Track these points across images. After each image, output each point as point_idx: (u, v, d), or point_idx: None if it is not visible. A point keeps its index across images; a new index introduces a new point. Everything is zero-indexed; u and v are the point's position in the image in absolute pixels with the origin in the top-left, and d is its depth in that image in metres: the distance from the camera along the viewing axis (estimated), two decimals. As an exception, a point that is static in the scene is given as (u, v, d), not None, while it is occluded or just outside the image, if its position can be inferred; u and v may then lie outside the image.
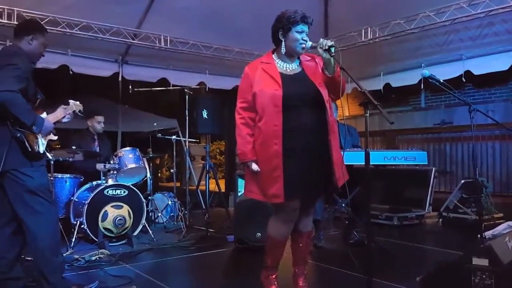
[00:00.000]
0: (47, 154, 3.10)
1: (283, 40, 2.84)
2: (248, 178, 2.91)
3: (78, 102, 3.31)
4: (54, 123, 3.10)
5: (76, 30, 5.63)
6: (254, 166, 2.78)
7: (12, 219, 2.93)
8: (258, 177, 2.80)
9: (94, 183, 5.12)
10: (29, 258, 3.56)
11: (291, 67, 2.90)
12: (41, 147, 2.95)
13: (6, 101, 2.67)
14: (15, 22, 4.96)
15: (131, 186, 5.05)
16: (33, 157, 2.86)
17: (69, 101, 3.29)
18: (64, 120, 3.22)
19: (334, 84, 2.77)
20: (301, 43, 2.78)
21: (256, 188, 2.83)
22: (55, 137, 3.18)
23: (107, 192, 4.85)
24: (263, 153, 2.77)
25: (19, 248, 3.05)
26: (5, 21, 5.08)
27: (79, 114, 3.35)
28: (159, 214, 6.09)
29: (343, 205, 5.04)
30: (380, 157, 4.78)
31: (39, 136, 2.93)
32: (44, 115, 3.03)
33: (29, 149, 2.82)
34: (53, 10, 5.38)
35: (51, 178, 4.68)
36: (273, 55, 2.93)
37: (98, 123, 5.67)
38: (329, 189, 2.88)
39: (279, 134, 2.71)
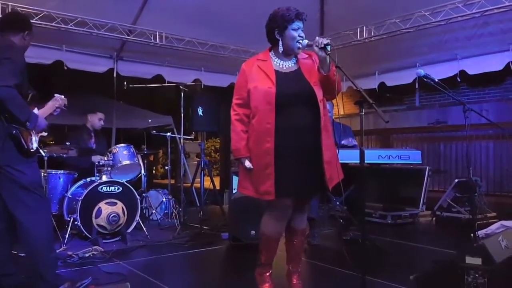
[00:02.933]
0: (40, 150, 3.08)
1: (280, 39, 2.83)
2: (242, 174, 2.93)
3: (62, 96, 3.28)
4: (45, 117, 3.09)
5: (71, 26, 5.59)
6: (247, 163, 2.80)
7: (3, 215, 2.91)
8: (251, 174, 2.82)
9: (88, 179, 5.10)
10: (23, 255, 3.55)
11: (287, 65, 2.89)
12: (34, 144, 2.94)
13: (1, 97, 2.64)
14: (10, 17, 4.92)
15: (125, 182, 5.03)
16: (27, 153, 2.85)
17: (55, 94, 3.27)
18: (54, 113, 3.21)
19: (329, 83, 2.77)
20: (298, 41, 2.78)
21: (249, 185, 2.85)
22: (46, 133, 3.16)
23: (101, 188, 4.83)
24: (256, 150, 2.78)
25: (10, 244, 3.03)
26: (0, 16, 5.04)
27: (64, 108, 3.32)
28: (153, 211, 6.08)
29: (338, 203, 5.05)
30: (374, 155, 4.80)
31: (33, 133, 2.92)
32: (35, 110, 3.01)
33: (25, 146, 2.81)
34: (48, 5, 5.34)
35: (45, 174, 4.66)
36: (270, 53, 2.93)
37: (99, 120, 5.67)
38: (321, 188, 2.87)
39: (271, 132, 2.72)
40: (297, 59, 2.92)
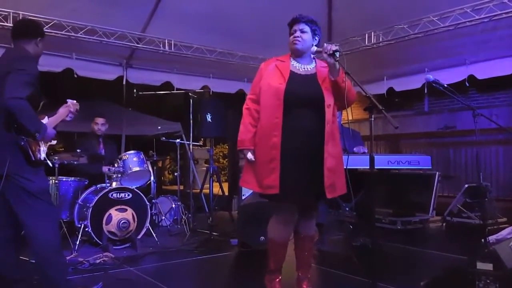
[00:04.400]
0: (47, 160, 3.09)
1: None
2: (245, 169, 2.97)
3: (75, 101, 3.31)
4: (56, 126, 3.10)
5: (81, 34, 5.66)
6: (250, 155, 2.86)
7: (11, 222, 2.94)
8: (255, 168, 2.86)
9: (99, 186, 5.13)
10: (33, 261, 3.57)
11: (305, 68, 2.95)
12: (43, 154, 2.95)
13: (14, 109, 2.66)
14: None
15: (135, 189, 5.06)
16: (34, 164, 2.87)
17: (67, 100, 3.29)
18: (67, 119, 3.23)
19: (338, 89, 2.80)
20: (293, 42, 2.91)
21: (252, 179, 2.89)
22: (54, 142, 3.18)
23: (112, 195, 4.86)
24: (262, 144, 2.84)
25: (17, 251, 3.06)
26: (11, 25, 5.10)
27: (76, 113, 3.35)
28: (163, 218, 6.10)
29: (347, 209, 5.04)
30: (384, 161, 4.79)
31: (41, 143, 2.93)
32: (45, 119, 3.03)
33: (33, 159, 2.83)
34: (58, 14, 5.41)
35: (56, 181, 4.71)
36: (291, 55, 3.01)
37: (95, 125, 5.66)
38: (322, 195, 2.83)
39: (279, 126, 2.78)
40: (315, 65, 2.96)
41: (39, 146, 2.91)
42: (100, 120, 5.69)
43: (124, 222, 4.75)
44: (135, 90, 5.67)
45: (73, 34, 5.61)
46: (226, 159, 13.92)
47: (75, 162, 5.03)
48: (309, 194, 2.87)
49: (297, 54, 2.95)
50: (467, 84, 6.30)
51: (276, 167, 2.75)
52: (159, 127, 7.73)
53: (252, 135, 2.89)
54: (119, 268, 3.99)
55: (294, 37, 2.90)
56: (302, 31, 2.89)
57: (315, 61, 2.99)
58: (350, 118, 3.08)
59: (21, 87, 2.70)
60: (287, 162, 2.76)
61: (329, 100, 2.83)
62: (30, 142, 2.83)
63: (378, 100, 2.59)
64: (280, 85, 2.82)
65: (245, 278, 3.90)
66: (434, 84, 3.61)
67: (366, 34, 6.24)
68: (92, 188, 5.15)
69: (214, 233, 5.37)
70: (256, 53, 7.03)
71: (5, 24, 5.13)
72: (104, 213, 4.72)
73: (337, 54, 2.67)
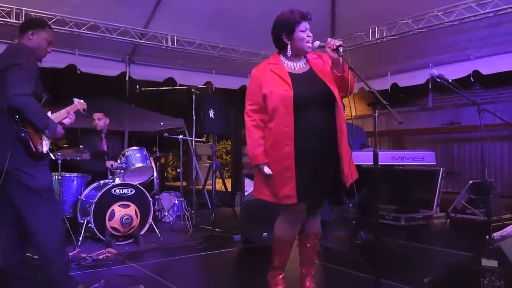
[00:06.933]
0: (50, 154, 3.07)
1: (289, 42, 2.81)
2: (257, 179, 2.87)
3: (82, 101, 3.29)
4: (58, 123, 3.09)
5: (83, 30, 5.65)
6: (266, 169, 2.73)
7: (14, 220, 2.93)
8: (269, 178, 2.76)
9: (102, 182, 5.14)
10: (37, 257, 3.58)
11: (299, 66, 2.87)
12: (45, 147, 2.92)
13: (21, 106, 2.65)
14: (23, 22, 4.99)
15: (138, 185, 5.06)
16: (36, 157, 2.84)
17: (74, 99, 3.27)
18: (65, 121, 3.19)
19: (343, 83, 2.76)
20: (307, 41, 2.77)
21: (266, 189, 2.80)
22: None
23: (114, 191, 4.87)
24: (274, 154, 2.73)
25: (23, 248, 3.05)
26: (13, 21, 5.11)
27: (83, 112, 3.33)
28: (166, 214, 6.11)
29: (351, 205, 5.01)
30: (387, 157, 4.75)
31: (44, 137, 2.91)
32: (49, 114, 3.01)
33: (34, 150, 2.80)
34: (61, 10, 5.40)
35: (59, 177, 4.71)
36: (279, 56, 2.90)
37: (93, 121, 5.65)
38: (338, 188, 2.83)
39: (290, 135, 2.68)
40: (307, 59, 2.91)
41: (41, 139, 2.88)
42: (96, 115, 5.67)
43: (127, 218, 4.76)
44: (137, 86, 5.66)
45: (76, 30, 5.60)
46: (229, 155, 13.94)
47: (78, 158, 5.03)
48: (323, 193, 2.85)
49: (302, 54, 2.87)
50: (472, 80, 6.25)
51: (292, 177, 2.67)
52: (162, 123, 7.69)
53: (264, 148, 2.77)
54: (122, 264, 4.00)
55: (308, 36, 2.77)
56: (310, 31, 2.79)
57: (305, 56, 2.91)
58: (353, 114, 3.05)
59: (24, 83, 2.67)
60: (302, 168, 2.69)
61: (336, 92, 2.78)
62: (31, 134, 2.80)
63: (382, 96, 2.56)
64: (287, 92, 2.69)
65: (248, 274, 3.90)
66: (438, 79, 3.59)
67: (370, 29, 6.20)
68: (95, 184, 5.16)
69: (217, 229, 5.37)
70: (259, 49, 7.00)
71: (8, 20, 5.12)
72: (107, 209, 4.73)
73: (341, 49, 2.63)
